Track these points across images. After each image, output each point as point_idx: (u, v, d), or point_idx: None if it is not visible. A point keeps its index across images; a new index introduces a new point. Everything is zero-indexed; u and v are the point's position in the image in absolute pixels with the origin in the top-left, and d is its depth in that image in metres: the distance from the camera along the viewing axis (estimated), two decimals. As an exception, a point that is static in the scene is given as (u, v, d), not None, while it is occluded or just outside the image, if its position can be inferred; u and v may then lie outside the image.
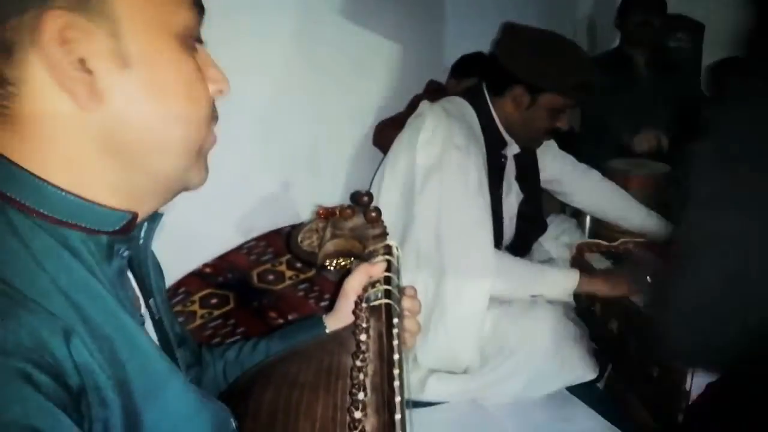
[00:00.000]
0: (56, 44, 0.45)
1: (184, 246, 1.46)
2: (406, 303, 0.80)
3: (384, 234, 0.84)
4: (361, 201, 0.87)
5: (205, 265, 1.75)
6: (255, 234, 1.88)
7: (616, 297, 1.45)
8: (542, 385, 1.39)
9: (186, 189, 0.56)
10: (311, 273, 1.76)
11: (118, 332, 0.47)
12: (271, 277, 1.74)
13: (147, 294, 0.59)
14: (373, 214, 0.84)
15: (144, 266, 0.58)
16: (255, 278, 1.72)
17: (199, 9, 0.54)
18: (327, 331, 0.81)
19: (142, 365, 0.48)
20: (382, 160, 1.66)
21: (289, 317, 1.63)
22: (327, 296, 1.69)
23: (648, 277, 1.44)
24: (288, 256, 1.79)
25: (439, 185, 1.43)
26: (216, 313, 1.60)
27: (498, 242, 1.59)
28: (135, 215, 0.53)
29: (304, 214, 2.00)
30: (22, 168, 0.47)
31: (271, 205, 1.94)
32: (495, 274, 1.40)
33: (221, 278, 1.71)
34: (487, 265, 1.41)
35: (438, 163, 1.44)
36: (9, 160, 0.47)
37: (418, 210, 1.45)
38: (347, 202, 2.00)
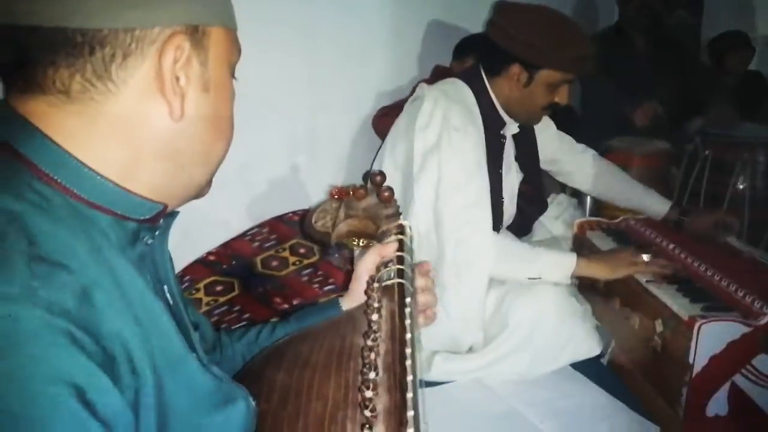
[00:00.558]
0: (171, 60, 0.52)
1: (188, 235, 1.47)
2: (420, 282, 0.81)
3: (397, 213, 0.85)
4: (375, 180, 0.87)
5: (209, 253, 1.76)
6: (259, 221, 1.89)
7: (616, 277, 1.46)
8: (546, 362, 1.40)
9: (198, 197, 0.63)
10: (315, 258, 1.78)
11: (144, 310, 0.50)
12: (275, 263, 1.75)
13: (162, 281, 0.61)
14: (387, 194, 0.84)
15: (160, 255, 0.61)
16: (259, 265, 1.74)
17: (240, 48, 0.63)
18: (343, 311, 0.83)
19: (163, 344, 0.51)
20: (382, 144, 1.66)
21: (294, 302, 1.65)
22: (331, 281, 1.71)
23: (646, 256, 1.45)
24: (292, 242, 1.80)
25: (437, 166, 1.43)
26: (221, 300, 1.62)
27: (499, 222, 1.59)
28: (165, 207, 0.58)
29: (306, 199, 2.01)
30: (73, 156, 0.51)
31: (274, 191, 1.95)
32: (493, 255, 1.41)
33: (225, 265, 1.72)
34: (485, 247, 1.41)
35: (436, 145, 1.44)
36: (58, 144, 0.51)
37: (417, 191, 1.45)
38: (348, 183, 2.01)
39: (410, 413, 0.58)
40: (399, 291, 0.72)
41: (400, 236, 0.81)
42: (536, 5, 1.51)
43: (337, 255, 1.75)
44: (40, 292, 0.42)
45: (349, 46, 2.11)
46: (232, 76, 0.62)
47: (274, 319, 0.90)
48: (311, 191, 2.06)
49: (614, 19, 2.90)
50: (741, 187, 1.98)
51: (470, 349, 1.45)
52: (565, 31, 1.44)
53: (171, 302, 0.62)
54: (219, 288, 1.65)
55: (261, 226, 1.88)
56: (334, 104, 2.09)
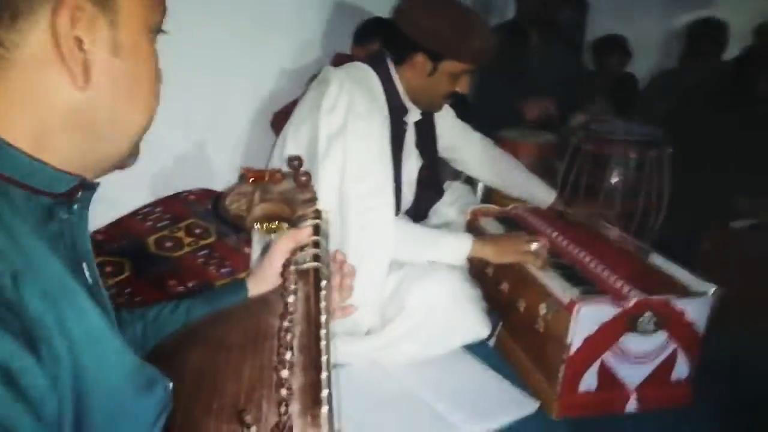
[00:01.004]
0: (68, 21, 0.48)
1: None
2: (336, 278, 0.83)
3: (314, 199, 0.85)
4: (292, 165, 0.87)
5: (96, 232, 1.67)
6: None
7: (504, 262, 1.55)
8: (440, 344, 1.46)
9: (121, 168, 0.60)
10: (211, 239, 1.74)
11: (61, 290, 0.48)
12: (169, 243, 1.69)
13: (80, 258, 0.58)
14: (303, 179, 0.84)
15: (80, 231, 0.58)
16: (152, 245, 1.67)
17: (166, 7, 0.59)
18: (249, 294, 0.82)
19: (82, 325, 0.49)
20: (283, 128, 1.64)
21: (189, 285, 1.60)
22: (227, 263, 1.68)
23: (535, 244, 1.55)
24: (188, 222, 1.75)
25: (342, 152, 1.44)
26: (111, 281, 1.54)
27: (397, 208, 1.64)
28: (82, 180, 0.55)
29: (206, 179, 1.95)
30: None
31: (169, 170, 1.88)
32: (393, 242, 1.45)
33: (115, 245, 1.64)
34: (386, 233, 1.45)
35: (342, 130, 1.45)
36: None
37: (321, 175, 1.46)
38: (246, 164, 1.97)
39: (325, 392, 0.60)
40: (314, 275, 0.74)
41: (316, 221, 0.82)
42: None
43: (235, 236, 1.72)
44: None
45: (252, 23, 2.05)
46: (154, 35, 0.57)
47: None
48: (208, 171, 2.00)
49: (505, 15, 3.05)
50: (614, 181, 2.16)
51: (368, 332, 1.49)
52: (469, 23, 1.49)
53: (90, 281, 0.59)
54: (108, 269, 1.56)
55: (154, 205, 1.80)
56: (235, 83, 2.04)
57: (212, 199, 1.82)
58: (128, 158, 0.60)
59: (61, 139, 0.52)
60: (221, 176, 1.98)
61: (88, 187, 0.58)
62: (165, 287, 1.57)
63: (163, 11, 0.58)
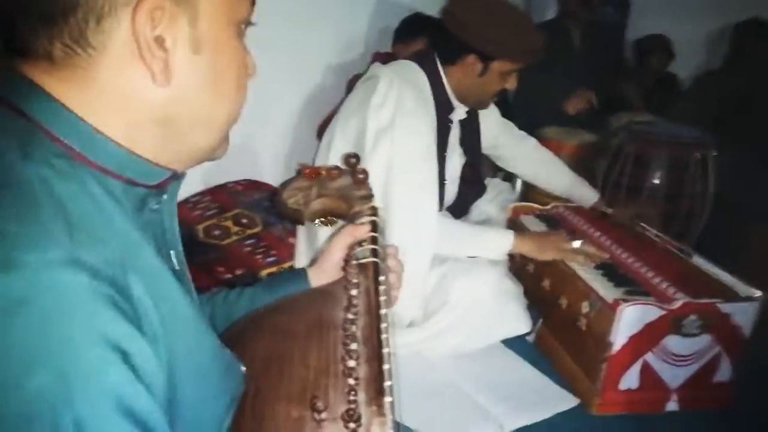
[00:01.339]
0: (147, 20, 0.49)
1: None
2: (391, 262, 0.85)
3: (370, 195, 0.87)
4: (349, 162, 0.89)
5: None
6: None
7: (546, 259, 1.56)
8: (481, 338, 1.49)
9: (211, 159, 0.62)
10: (258, 229, 1.78)
11: (154, 277, 0.51)
12: (217, 232, 1.74)
13: (169, 246, 0.61)
14: (361, 176, 0.87)
15: (169, 219, 0.61)
16: (201, 233, 1.72)
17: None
18: (311, 285, 0.85)
19: (173, 309, 0.51)
20: (331, 121, 1.67)
21: (237, 272, 1.65)
22: (273, 252, 1.72)
23: (576, 243, 1.55)
24: (235, 212, 1.79)
25: (390, 146, 1.46)
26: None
27: (440, 204, 1.66)
28: (174, 172, 0.58)
29: (253, 169, 1.99)
30: (84, 121, 0.50)
31: (224, 159, 1.92)
32: (436, 238, 1.47)
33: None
34: (430, 228, 1.47)
35: (390, 126, 1.47)
36: (69, 109, 0.50)
37: (369, 169, 1.48)
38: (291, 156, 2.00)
39: (387, 383, 0.63)
40: (374, 269, 0.77)
41: (373, 217, 0.84)
42: None
43: (280, 226, 1.76)
44: (84, 258, 0.42)
45: (298, 17, 2.09)
46: (242, 30, 0.58)
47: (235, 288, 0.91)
48: (255, 163, 2.05)
49: (544, 14, 3.04)
50: (656, 182, 2.14)
51: (410, 324, 1.51)
52: (520, 23, 1.50)
53: (177, 268, 0.62)
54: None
55: (202, 194, 1.86)
56: (281, 78, 2.07)
57: (268, 193, 1.86)
58: (218, 150, 0.61)
59: (150, 134, 0.54)
60: (267, 168, 2.03)
61: (176, 176, 0.60)
62: (214, 274, 1.62)
63: (250, 4, 0.58)
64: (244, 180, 1.93)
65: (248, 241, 1.74)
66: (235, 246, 1.71)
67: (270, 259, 1.70)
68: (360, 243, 0.82)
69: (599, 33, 2.94)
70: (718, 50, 3.18)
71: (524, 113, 2.55)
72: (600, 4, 2.93)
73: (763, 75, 2.61)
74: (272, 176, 2.04)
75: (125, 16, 0.49)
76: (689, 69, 3.37)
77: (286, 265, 1.67)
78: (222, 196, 1.86)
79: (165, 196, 0.60)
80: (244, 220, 1.80)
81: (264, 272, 1.65)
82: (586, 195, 1.87)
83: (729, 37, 3.02)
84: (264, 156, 2.06)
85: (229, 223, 1.77)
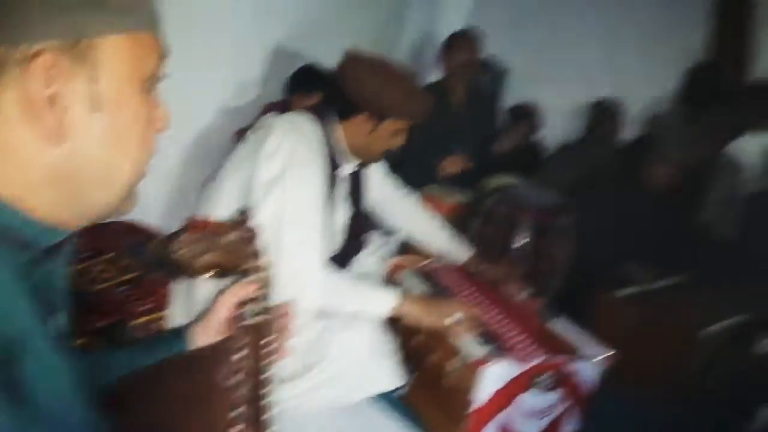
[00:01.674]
0: (40, 80, 0.48)
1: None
2: (282, 320, 0.86)
3: (259, 252, 0.88)
4: (240, 218, 0.90)
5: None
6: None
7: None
8: (357, 392, 1.52)
9: (119, 215, 0.61)
10: (133, 275, 1.72)
11: (27, 336, 0.49)
12: (89, 276, 1.66)
13: (58, 308, 0.59)
14: (249, 233, 0.87)
15: (57, 281, 0.59)
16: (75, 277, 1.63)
17: (164, 53, 0.58)
18: (195, 343, 0.84)
19: (43, 367, 0.50)
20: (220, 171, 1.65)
21: (106, 321, 1.58)
22: (151, 299, 1.67)
23: (457, 312, 1.62)
24: (110, 255, 1.72)
25: (281, 196, 1.47)
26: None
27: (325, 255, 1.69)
28: (71, 234, 0.56)
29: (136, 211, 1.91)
30: None
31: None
32: (321, 292, 1.49)
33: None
34: (313, 284, 1.48)
35: (281, 176, 1.48)
36: None
37: (259, 220, 1.48)
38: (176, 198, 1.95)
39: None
40: (262, 329, 0.78)
41: (262, 274, 0.85)
42: (383, 58, 1.64)
43: (163, 272, 1.71)
44: None
45: (191, 57, 2.07)
46: (149, 85, 0.57)
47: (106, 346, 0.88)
48: (141, 201, 1.97)
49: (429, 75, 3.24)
50: (522, 243, 2.34)
51: (289, 376, 1.52)
52: (410, 85, 1.60)
53: (61, 328, 0.59)
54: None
55: (77, 235, 1.76)
56: (171, 117, 2.04)
57: (153, 242, 1.80)
58: (124, 205, 0.60)
59: (46, 192, 0.52)
60: (150, 209, 1.97)
61: (73, 237, 0.58)
62: (83, 322, 1.54)
63: (157, 58, 0.57)
64: (123, 221, 1.86)
65: (121, 288, 1.67)
66: (108, 292, 1.64)
67: (147, 307, 1.64)
68: (247, 302, 0.83)
69: (477, 98, 3.17)
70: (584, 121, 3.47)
71: (406, 172, 2.67)
72: (479, 74, 3.17)
73: (605, 153, 2.94)
74: (156, 218, 1.98)
75: (15, 75, 0.48)
76: (557, 137, 3.67)
77: (162, 314, 1.62)
78: (99, 238, 1.77)
79: (59, 258, 0.58)
80: (122, 263, 1.73)
81: (138, 321, 1.59)
82: (460, 252, 1.99)
83: (586, 112, 3.38)
84: (147, 197, 1.99)
85: (102, 266, 1.70)
